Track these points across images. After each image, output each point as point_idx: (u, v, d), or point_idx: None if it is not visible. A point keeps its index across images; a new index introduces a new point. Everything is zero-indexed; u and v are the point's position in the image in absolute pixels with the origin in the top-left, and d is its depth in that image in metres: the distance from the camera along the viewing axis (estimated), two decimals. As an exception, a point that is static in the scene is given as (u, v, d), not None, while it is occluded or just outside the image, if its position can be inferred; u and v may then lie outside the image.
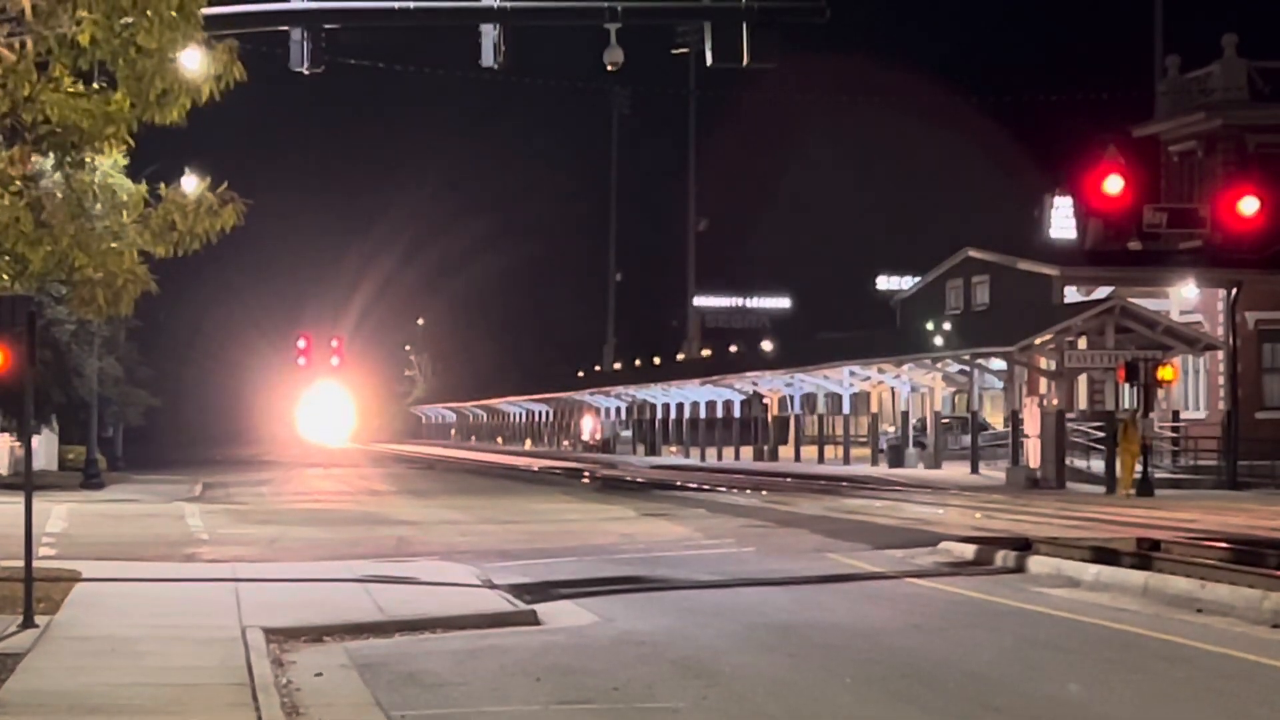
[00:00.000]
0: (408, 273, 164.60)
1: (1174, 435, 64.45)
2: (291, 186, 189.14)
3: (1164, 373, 59.91)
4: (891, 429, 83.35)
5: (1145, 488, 54.60)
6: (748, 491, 60.20)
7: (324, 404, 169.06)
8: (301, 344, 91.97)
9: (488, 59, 32.68)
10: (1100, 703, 17.35)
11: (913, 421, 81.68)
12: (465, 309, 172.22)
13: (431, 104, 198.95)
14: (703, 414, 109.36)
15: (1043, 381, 62.47)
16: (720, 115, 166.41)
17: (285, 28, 32.65)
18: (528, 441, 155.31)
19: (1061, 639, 22.15)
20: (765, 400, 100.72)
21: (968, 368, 71.15)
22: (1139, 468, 55.42)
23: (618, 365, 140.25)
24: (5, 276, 16.56)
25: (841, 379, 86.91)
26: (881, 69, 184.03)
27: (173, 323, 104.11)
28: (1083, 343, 61.58)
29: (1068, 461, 60.49)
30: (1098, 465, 59.96)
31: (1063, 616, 24.24)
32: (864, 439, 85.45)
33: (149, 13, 14.85)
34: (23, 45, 11.53)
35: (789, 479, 70.52)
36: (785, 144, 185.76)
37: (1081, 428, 63.76)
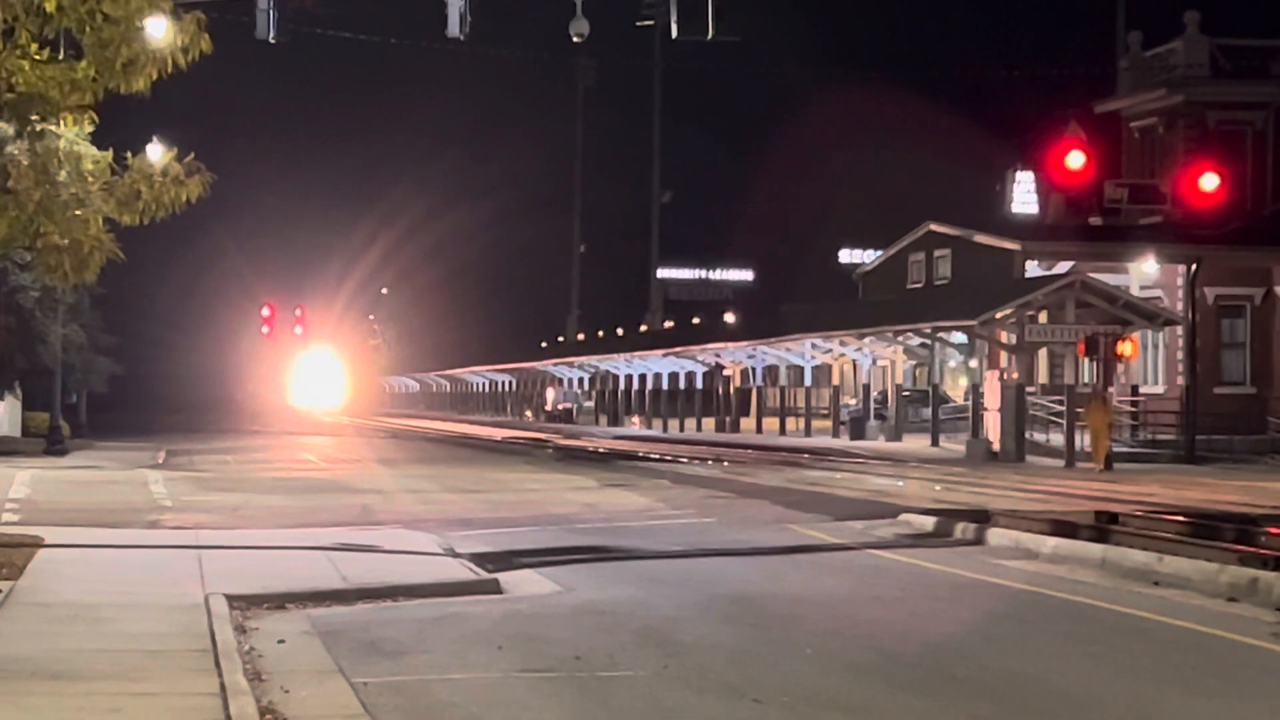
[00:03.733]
0: (380, 243, 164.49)
1: (1133, 410, 64.70)
2: (267, 158, 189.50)
3: (1124, 348, 60.12)
4: (853, 401, 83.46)
5: (1105, 461, 54.86)
6: (709, 462, 60.27)
7: (314, 372, 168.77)
8: (265, 312, 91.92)
9: (453, 29, 32.65)
10: (1057, 674, 17.43)
11: (874, 394, 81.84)
12: (434, 279, 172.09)
13: (403, 77, 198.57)
14: (665, 385, 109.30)
15: (1003, 355, 62.59)
16: (686, 89, 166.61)
17: (251, 1, 32.61)
18: (492, 412, 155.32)
19: (1020, 611, 22.24)
20: (727, 372, 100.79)
21: (929, 341, 71.28)
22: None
23: (581, 336, 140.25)
24: (-30, 243, 16.51)
25: (803, 351, 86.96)
26: (848, 45, 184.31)
27: (142, 291, 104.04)
28: (1043, 317, 61.73)
29: (1027, 435, 60.68)
30: (1057, 439, 60.15)
31: (1021, 589, 24.32)
32: (825, 411, 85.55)
33: (116, -19, 14.84)
34: (-12, 12, 11.49)
35: (750, 450, 70.60)
36: (750, 118, 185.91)
37: (1041, 401, 64.01)
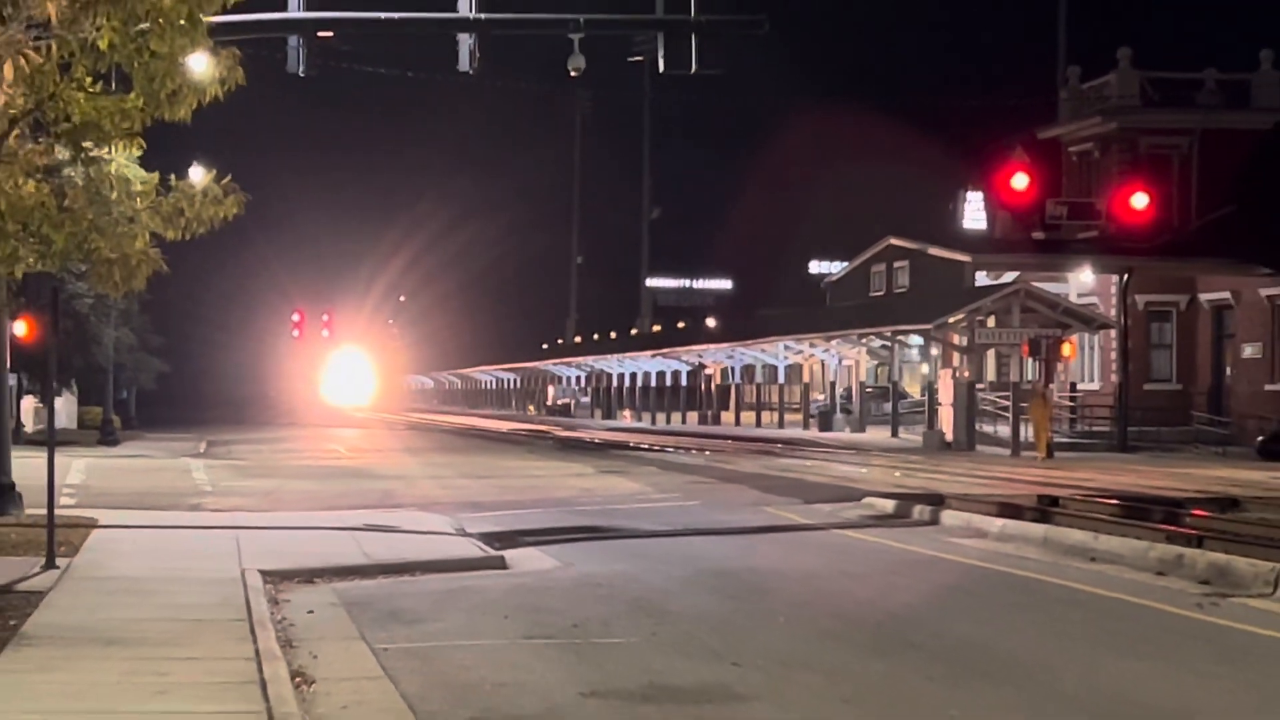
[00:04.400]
0: (403, 253, 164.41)
1: (1072, 404, 64.75)
2: (303, 177, 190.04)
3: (1063, 349, 60.28)
4: (821, 397, 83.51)
5: (1046, 450, 54.96)
6: (693, 452, 60.26)
7: (344, 371, 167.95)
8: (295, 318, 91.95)
9: (464, 65, 32.66)
10: (1004, 640, 17.45)
11: (840, 391, 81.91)
12: (449, 287, 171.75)
13: (422, 104, 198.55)
14: (653, 383, 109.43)
15: (955, 355, 62.63)
16: (673, 116, 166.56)
17: (283, 35, 32.61)
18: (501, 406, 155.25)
19: (971, 584, 22.26)
20: (709, 371, 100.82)
21: (889, 343, 71.33)
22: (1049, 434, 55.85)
23: (578, 338, 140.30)
24: (31, 256, 16.48)
25: (777, 352, 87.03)
26: (820, 75, 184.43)
27: (190, 296, 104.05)
28: (991, 321, 61.78)
29: (977, 427, 60.72)
30: (1004, 430, 60.18)
31: (972, 564, 24.34)
32: (797, 406, 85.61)
33: (161, 21, 14.82)
34: (48, 48, 11.49)
35: (730, 441, 70.61)
36: (731, 142, 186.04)
37: (989, 397, 64.05)
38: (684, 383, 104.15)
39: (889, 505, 32.92)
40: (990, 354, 65.69)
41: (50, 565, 20.93)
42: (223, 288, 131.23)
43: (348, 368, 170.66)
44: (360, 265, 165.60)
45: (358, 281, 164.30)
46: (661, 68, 33.13)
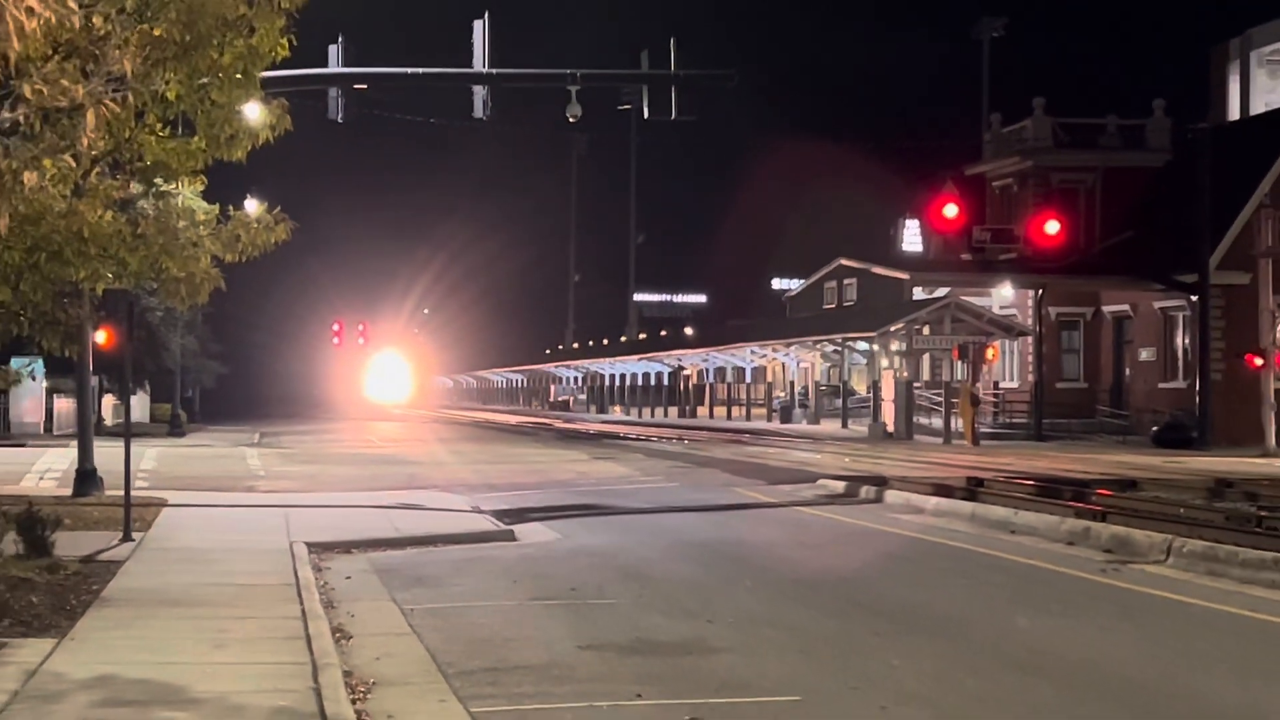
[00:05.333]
0: (432, 267, 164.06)
1: (995, 400, 64.81)
2: (349, 202, 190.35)
3: (988, 353, 60.43)
4: (782, 394, 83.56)
5: (973, 439, 55.07)
6: (673, 441, 60.31)
7: (384, 372, 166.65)
8: (335, 327, 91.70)
9: (478, 112, 32.70)
10: (938, 601, 17.48)
11: (798, 389, 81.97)
12: (467, 299, 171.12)
13: (447, 141, 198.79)
14: (640, 382, 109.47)
15: (896, 359, 62.67)
16: (656, 155, 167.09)
17: (324, 87, 32.62)
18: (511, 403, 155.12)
19: (910, 553, 22.30)
20: (687, 372, 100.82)
21: (840, 348, 71.36)
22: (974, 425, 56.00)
23: (576, 344, 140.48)
24: (110, 275, 16.47)
25: (745, 356, 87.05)
26: (782, 122, 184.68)
27: (250, 307, 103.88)
28: (927, 330, 61.84)
29: (914, 419, 60.82)
30: (937, 422, 60.29)
31: (911, 536, 24.38)
32: (761, 402, 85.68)
33: (221, 75, 14.84)
34: (125, 99, 11.49)
35: (705, 431, 70.66)
36: (705, 177, 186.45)
37: (925, 394, 64.17)
38: (666, 382, 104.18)
39: (840, 486, 32.97)
40: (926, 357, 65.75)
41: (127, 538, 20.94)
42: (276, 300, 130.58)
43: (386, 369, 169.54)
44: (396, 278, 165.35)
45: (394, 292, 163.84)
46: (646, 115, 33.19)
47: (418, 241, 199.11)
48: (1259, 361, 50.60)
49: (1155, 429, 55.23)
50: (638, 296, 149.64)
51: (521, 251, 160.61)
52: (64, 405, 56.26)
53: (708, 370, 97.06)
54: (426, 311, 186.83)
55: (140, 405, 67.92)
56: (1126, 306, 63.26)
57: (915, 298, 66.68)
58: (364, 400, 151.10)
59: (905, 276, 69.32)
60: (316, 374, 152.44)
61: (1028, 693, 12.19)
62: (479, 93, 32.52)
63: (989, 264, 64.25)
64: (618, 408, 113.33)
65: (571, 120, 33.29)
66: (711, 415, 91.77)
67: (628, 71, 34.28)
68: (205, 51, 14.51)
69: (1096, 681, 12.66)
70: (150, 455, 43.47)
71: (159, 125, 15.59)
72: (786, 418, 77.31)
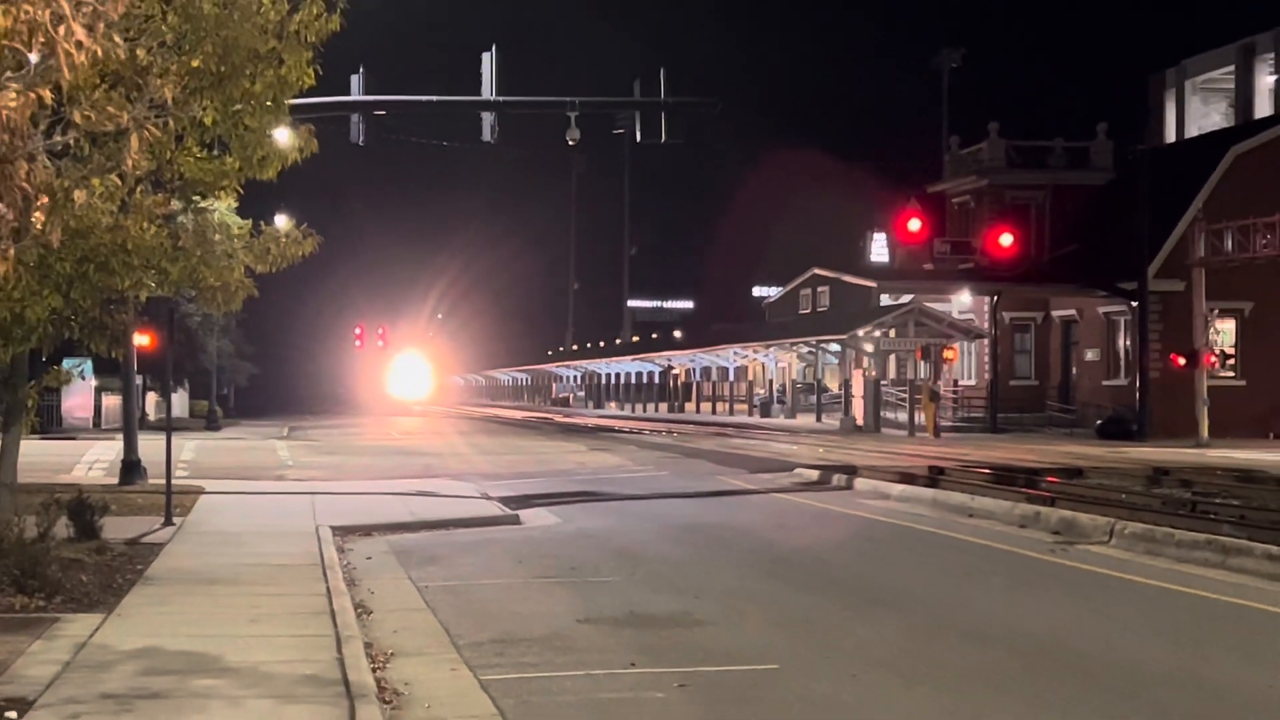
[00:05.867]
0: (445, 279, 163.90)
1: (954, 396, 64.88)
2: (375, 215, 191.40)
3: (948, 354, 60.44)
4: (762, 391, 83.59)
5: (934, 431, 55.12)
6: (663, 434, 60.32)
7: (405, 371, 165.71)
8: (357, 331, 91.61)
9: (486, 135, 32.74)
10: (902, 578, 17.51)
11: (776, 386, 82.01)
12: (479, 304, 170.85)
13: (461, 160, 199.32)
14: (633, 380, 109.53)
15: (865, 359, 62.73)
16: (648, 174, 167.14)
17: (347, 114, 32.62)
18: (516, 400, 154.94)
19: (877, 535, 22.33)
20: (675, 371, 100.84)
21: (814, 349, 71.42)
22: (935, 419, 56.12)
23: (575, 346, 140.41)
24: (153, 284, 16.46)
25: (728, 357, 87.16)
26: (763, 144, 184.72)
27: (284, 311, 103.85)
28: (893, 333, 61.93)
29: (882, 414, 60.86)
30: (902, 416, 60.34)
31: (878, 520, 24.41)
32: (743, 398, 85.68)
33: (253, 103, 14.83)
34: (165, 124, 11.49)
35: (692, 425, 70.68)
36: (692, 193, 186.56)
37: (891, 391, 64.20)
38: (657, 380, 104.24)
39: (814, 474, 33.00)
40: (892, 357, 65.83)
41: (168, 522, 20.94)
42: (305, 305, 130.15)
43: (408, 368, 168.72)
44: (417, 284, 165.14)
45: (415, 297, 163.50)
46: (638, 138, 33.25)
47: (436, 251, 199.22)
48: (1192, 361, 50.68)
49: (1099, 422, 55.33)
50: (631, 302, 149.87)
51: (527, 261, 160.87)
52: (111, 402, 56.20)
53: (695, 369, 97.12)
54: (440, 316, 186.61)
55: (180, 402, 67.91)
56: (1073, 311, 63.35)
57: (882, 304, 66.74)
58: (387, 397, 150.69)
59: (873, 284, 69.40)
60: (342, 373, 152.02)
61: (984, 661, 12.21)
62: (487, 118, 32.58)
63: (949, 273, 64.40)
64: (613, 404, 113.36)
65: (571, 143, 33.34)
66: (698, 410, 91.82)
67: (621, 99, 34.32)
68: (239, 81, 14.51)
69: (1046, 650, 12.68)
70: (189, 447, 43.44)
71: (197, 147, 15.58)
72: (766, 413, 77.37)
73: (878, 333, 61.38)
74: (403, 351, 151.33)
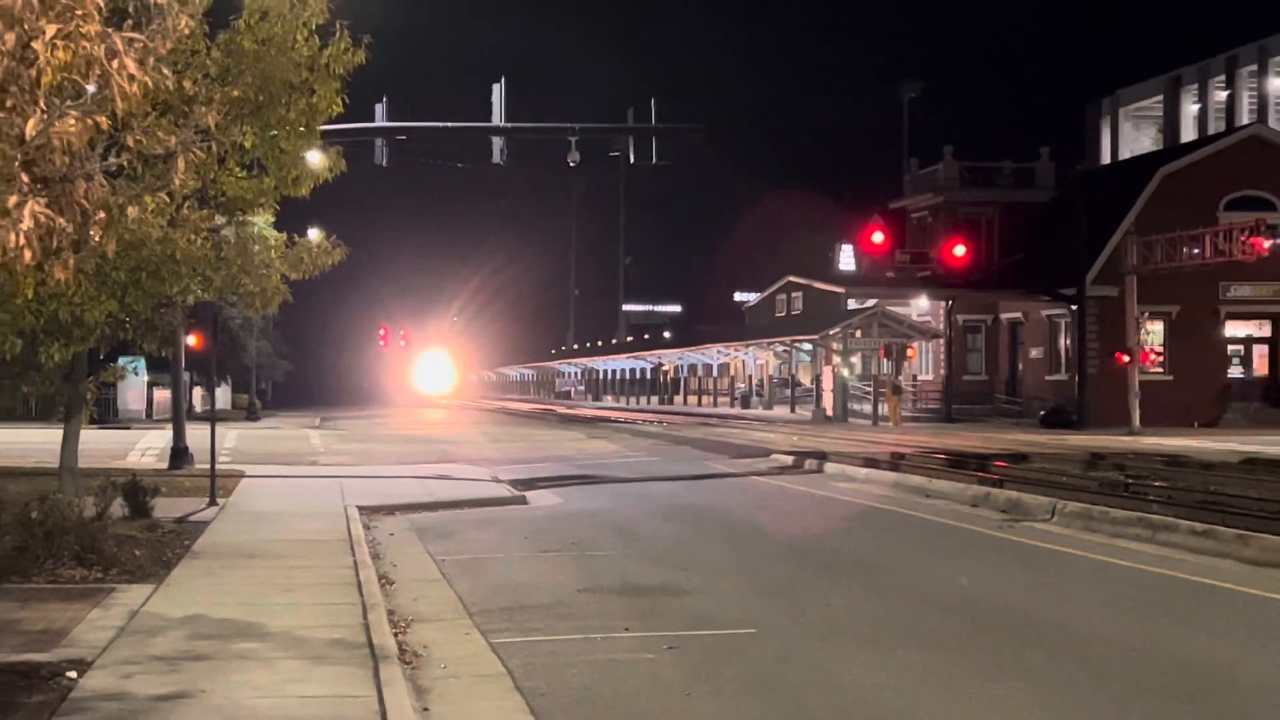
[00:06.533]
0: (467, 283, 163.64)
1: (914, 390, 64.90)
2: (402, 227, 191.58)
3: (908, 352, 60.49)
4: (742, 385, 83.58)
5: (896, 421, 55.09)
6: (654, 423, 60.31)
7: (430, 367, 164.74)
8: (381, 332, 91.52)
9: (496, 158, 32.74)
10: (867, 551, 17.53)
11: (755, 381, 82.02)
12: (498, 309, 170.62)
13: (473, 182, 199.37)
14: (628, 376, 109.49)
15: (834, 356, 62.73)
16: (641, 191, 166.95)
17: (372, 138, 32.59)
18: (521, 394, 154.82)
19: (845, 513, 22.33)
20: (665, 368, 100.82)
21: (789, 348, 71.42)
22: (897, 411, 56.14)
23: (576, 345, 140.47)
24: (199, 289, 16.44)
25: (712, 355, 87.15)
26: (742, 164, 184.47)
27: (319, 313, 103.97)
28: (859, 333, 61.91)
29: (849, 405, 60.88)
30: (867, 408, 60.37)
31: (846, 500, 24.43)
32: (726, 391, 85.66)
33: (287, 128, 14.82)
34: (209, 147, 11.47)
35: (680, 416, 70.67)
36: (680, 208, 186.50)
37: (858, 385, 64.20)
38: (649, 376, 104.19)
39: (788, 460, 33.02)
40: (858, 355, 65.79)
41: (212, 503, 20.92)
42: (338, 308, 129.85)
43: (432, 365, 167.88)
44: (440, 289, 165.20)
45: (439, 301, 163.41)
46: (631, 160, 33.26)
47: (456, 259, 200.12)
48: (1125, 359, 50.81)
49: (1042, 413, 55.35)
50: (626, 306, 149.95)
51: (534, 270, 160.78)
52: (161, 396, 56.12)
53: (683, 366, 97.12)
54: (456, 319, 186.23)
55: (223, 396, 67.83)
56: (1019, 314, 63.37)
57: (850, 308, 66.74)
58: (412, 392, 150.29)
59: (841, 290, 69.40)
60: (371, 369, 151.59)
61: (939, 624, 12.22)
62: (497, 142, 32.57)
63: (909, 280, 64.45)
64: (610, 397, 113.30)
65: (572, 164, 33.37)
66: (685, 403, 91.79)
67: (616, 125, 34.35)
68: (275, 109, 14.50)
69: (994, 614, 12.69)
70: (231, 436, 43.40)
71: (238, 168, 15.56)
72: (746, 404, 77.36)
73: (846, 333, 61.37)
74: (427, 350, 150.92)
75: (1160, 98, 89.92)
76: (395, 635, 11.16)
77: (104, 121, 6.47)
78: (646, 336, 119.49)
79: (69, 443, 18.23)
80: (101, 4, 6.08)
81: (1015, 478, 25.82)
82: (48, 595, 12.43)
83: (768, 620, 12.37)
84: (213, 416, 23.06)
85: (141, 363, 49.78)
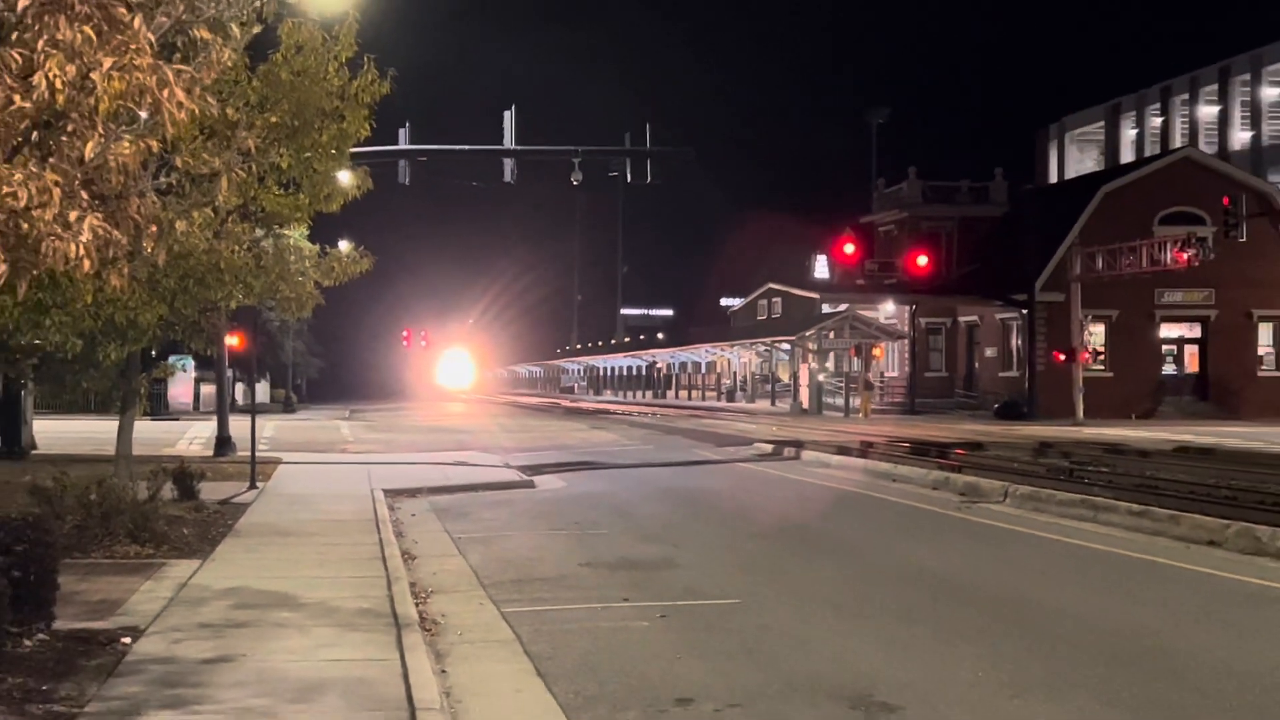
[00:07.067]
0: (479, 291, 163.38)
1: (882, 385, 64.91)
2: (426, 238, 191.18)
3: (876, 351, 60.50)
4: (728, 381, 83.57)
5: (866, 413, 55.07)
6: (649, 415, 60.28)
7: (453, 365, 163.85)
8: (405, 334, 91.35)
9: (508, 177, 32.79)
10: (839, 530, 17.54)
11: (739, 377, 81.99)
12: (515, 313, 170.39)
13: (487, 199, 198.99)
14: (625, 373, 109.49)
15: (810, 355, 62.75)
16: (638, 207, 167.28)
17: (395, 160, 32.59)
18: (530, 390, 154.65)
19: (820, 495, 22.34)
20: (659, 365, 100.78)
21: (769, 348, 71.43)
22: (867, 405, 56.13)
23: (579, 345, 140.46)
24: (240, 295, 16.44)
25: (701, 354, 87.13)
26: (729, 183, 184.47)
27: (349, 317, 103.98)
28: (832, 335, 61.92)
29: (823, 399, 60.90)
30: (840, 401, 60.34)
31: (821, 484, 24.43)
32: (713, 387, 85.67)
33: (320, 150, 14.83)
34: (250, 168, 11.47)
35: (672, 409, 70.64)
36: (671, 221, 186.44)
37: (831, 381, 64.18)
38: (644, 373, 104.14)
39: (769, 448, 33.03)
40: (831, 354, 65.80)
41: (252, 486, 20.90)
42: (368, 311, 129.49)
43: (454, 363, 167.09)
44: (462, 293, 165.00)
45: (461, 303, 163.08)
46: (628, 179, 33.31)
47: (474, 266, 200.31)
48: (1070, 357, 50.87)
49: (996, 406, 55.35)
50: (624, 310, 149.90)
51: (542, 277, 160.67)
52: (207, 390, 56.10)
53: (674, 364, 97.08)
54: (472, 322, 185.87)
55: (262, 390, 67.71)
56: (976, 317, 63.38)
57: (824, 312, 66.73)
58: (435, 387, 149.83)
59: (816, 296, 69.38)
60: (397, 367, 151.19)
61: (903, 596, 12.23)
62: (508, 163, 32.61)
63: (877, 287, 64.39)
64: (609, 391, 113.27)
65: (575, 183, 33.39)
66: (677, 397, 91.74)
67: (615, 148, 34.41)
68: (309, 133, 14.50)
69: (953, 587, 12.71)
70: (270, 427, 43.35)
71: (275, 186, 15.55)
72: (731, 398, 77.36)
73: (820, 335, 61.40)
74: (448, 348, 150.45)
75: (1102, 123, 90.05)
76: (416, 605, 11.16)
77: (155, 144, 6.48)
78: (642, 337, 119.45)
79: (124, 432, 18.21)
80: (153, 39, 6.09)
81: (972, 464, 25.83)
82: (105, 569, 12.43)
83: (750, 592, 12.38)
84: (253, 409, 23.06)
85: (189, 360, 49.76)
